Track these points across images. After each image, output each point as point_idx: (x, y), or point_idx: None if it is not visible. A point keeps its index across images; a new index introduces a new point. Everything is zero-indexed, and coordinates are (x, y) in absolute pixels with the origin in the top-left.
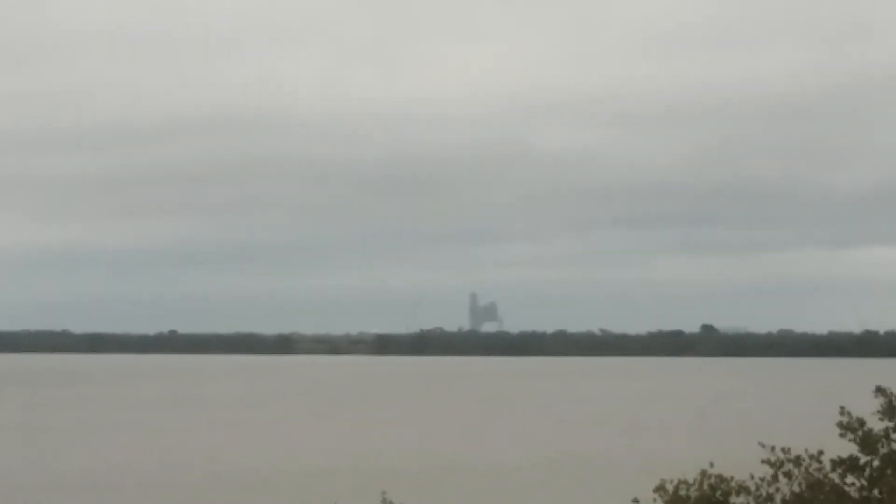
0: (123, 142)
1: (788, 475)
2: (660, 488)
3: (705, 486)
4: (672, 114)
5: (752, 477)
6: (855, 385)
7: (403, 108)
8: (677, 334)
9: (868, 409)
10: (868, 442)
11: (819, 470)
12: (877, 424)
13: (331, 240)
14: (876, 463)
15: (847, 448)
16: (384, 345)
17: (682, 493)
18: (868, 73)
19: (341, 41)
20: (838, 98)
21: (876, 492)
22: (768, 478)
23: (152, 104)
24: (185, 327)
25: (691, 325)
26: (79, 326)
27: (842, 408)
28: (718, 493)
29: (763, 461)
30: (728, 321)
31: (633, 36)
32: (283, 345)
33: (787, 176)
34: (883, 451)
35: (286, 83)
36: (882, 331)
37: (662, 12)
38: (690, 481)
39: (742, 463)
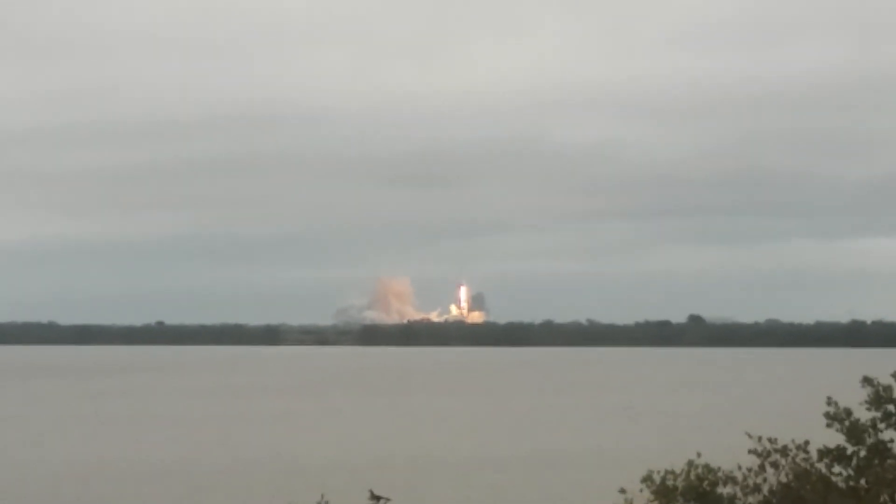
0: (145, 137)
1: (775, 465)
2: (647, 478)
3: (692, 476)
4: (696, 108)
5: (739, 467)
6: (842, 375)
7: (431, 104)
8: (664, 324)
9: (855, 399)
10: (855, 432)
11: (806, 460)
12: (864, 414)
13: (329, 234)
14: (863, 453)
15: (834, 438)
16: (371, 335)
17: (670, 483)
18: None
19: (375, 37)
20: (862, 91)
21: (863, 482)
22: (755, 468)
23: (177, 100)
24: (172, 318)
25: (679, 316)
26: (66, 318)
27: (829, 398)
28: (706, 483)
29: (750, 451)
30: (715, 311)
31: (666, 31)
32: (271, 336)
33: (796, 167)
34: (870, 441)
35: (316, 78)
36: (869, 321)
37: (696, 8)
38: (678, 471)
39: (729, 453)
